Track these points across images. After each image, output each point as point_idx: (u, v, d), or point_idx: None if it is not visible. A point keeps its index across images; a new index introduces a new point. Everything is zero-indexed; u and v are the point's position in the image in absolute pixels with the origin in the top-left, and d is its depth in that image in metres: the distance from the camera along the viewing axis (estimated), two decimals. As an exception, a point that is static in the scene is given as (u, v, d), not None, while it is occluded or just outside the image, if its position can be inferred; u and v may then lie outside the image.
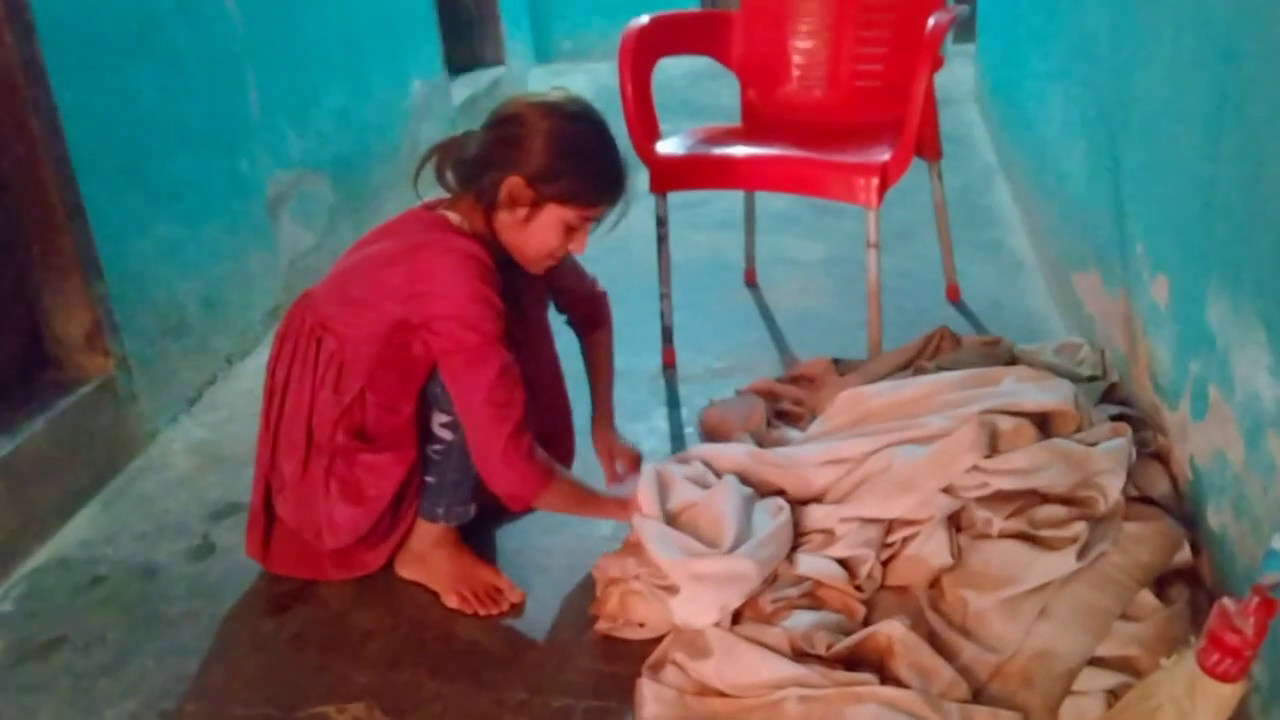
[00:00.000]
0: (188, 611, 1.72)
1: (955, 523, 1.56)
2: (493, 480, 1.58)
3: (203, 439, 2.25)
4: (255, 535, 1.74)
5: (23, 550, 1.88)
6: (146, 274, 2.23)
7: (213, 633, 1.67)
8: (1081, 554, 1.44)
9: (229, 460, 2.14)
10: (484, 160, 1.56)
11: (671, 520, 1.61)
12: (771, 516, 1.60)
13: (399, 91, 3.65)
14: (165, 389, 2.28)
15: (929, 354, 2.08)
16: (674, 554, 1.52)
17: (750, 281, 2.82)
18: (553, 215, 1.56)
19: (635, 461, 1.90)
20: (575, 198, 1.56)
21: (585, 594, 1.67)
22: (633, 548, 1.64)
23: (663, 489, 1.65)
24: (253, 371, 2.45)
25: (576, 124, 1.56)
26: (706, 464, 1.74)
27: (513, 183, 1.54)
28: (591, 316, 1.89)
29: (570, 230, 1.59)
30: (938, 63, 2.08)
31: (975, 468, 1.53)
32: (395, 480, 1.62)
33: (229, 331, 2.53)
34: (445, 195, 1.65)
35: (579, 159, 1.55)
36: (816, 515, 1.61)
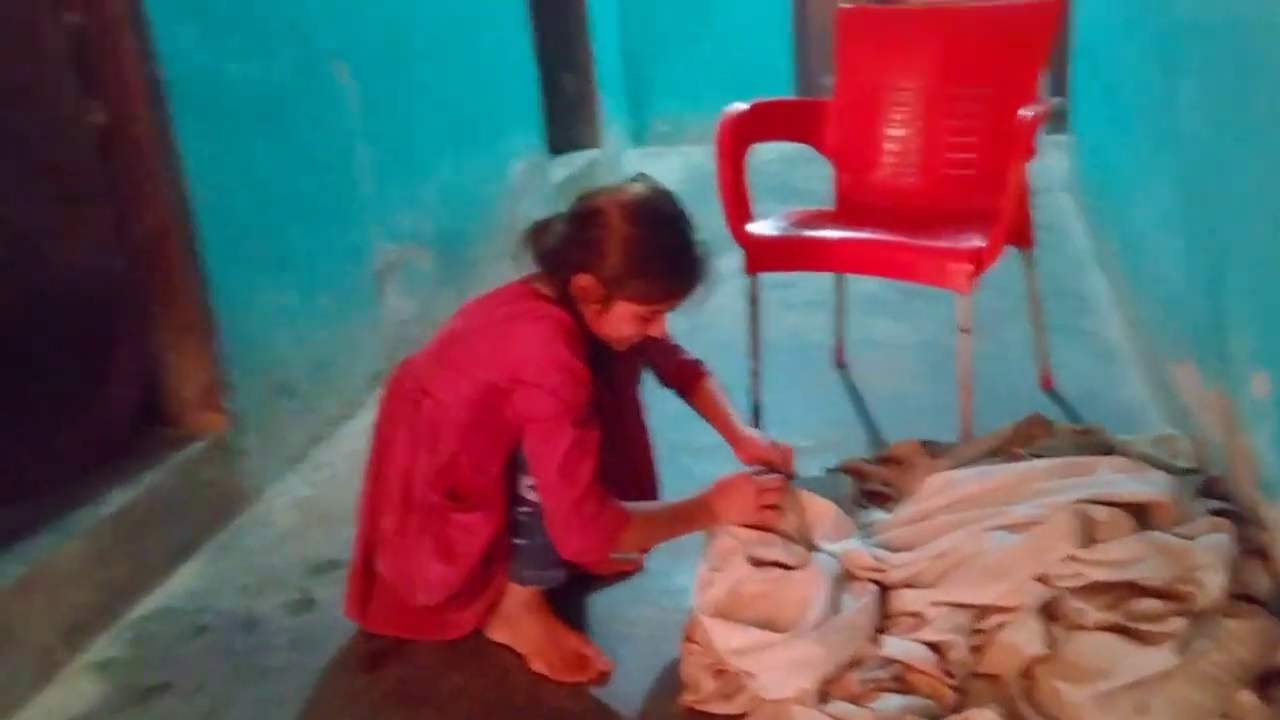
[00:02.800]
0: (286, 663, 1.78)
1: (1049, 612, 1.54)
2: (560, 544, 1.62)
3: (306, 496, 2.33)
4: (354, 593, 1.79)
5: (133, 597, 1.96)
6: (260, 337, 2.34)
7: (310, 685, 1.72)
8: (1180, 650, 1.42)
9: (330, 518, 2.21)
10: (561, 255, 1.63)
11: (746, 601, 1.61)
12: (857, 598, 1.60)
13: (501, 170, 3.79)
14: (273, 447, 2.37)
15: (1021, 441, 2.07)
16: (739, 642, 1.53)
17: (839, 362, 2.84)
18: (624, 310, 1.62)
19: (786, 456, 1.85)
20: (644, 298, 1.61)
21: (671, 665, 1.68)
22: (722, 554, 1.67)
23: (738, 568, 1.66)
24: (355, 433, 2.54)
25: (650, 229, 1.60)
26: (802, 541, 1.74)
27: (585, 280, 1.60)
28: (690, 376, 1.92)
29: (644, 320, 1.64)
30: (1031, 152, 2.10)
31: (1070, 557, 1.52)
32: (484, 539, 1.66)
33: (335, 394, 2.63)
34: None
35: (649, 265, 1.60)
36: (906, 598, 1.61)
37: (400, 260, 2.98)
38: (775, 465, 1.82)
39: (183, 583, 2.04)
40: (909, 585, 1.64)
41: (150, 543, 2.00)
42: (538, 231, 1.69)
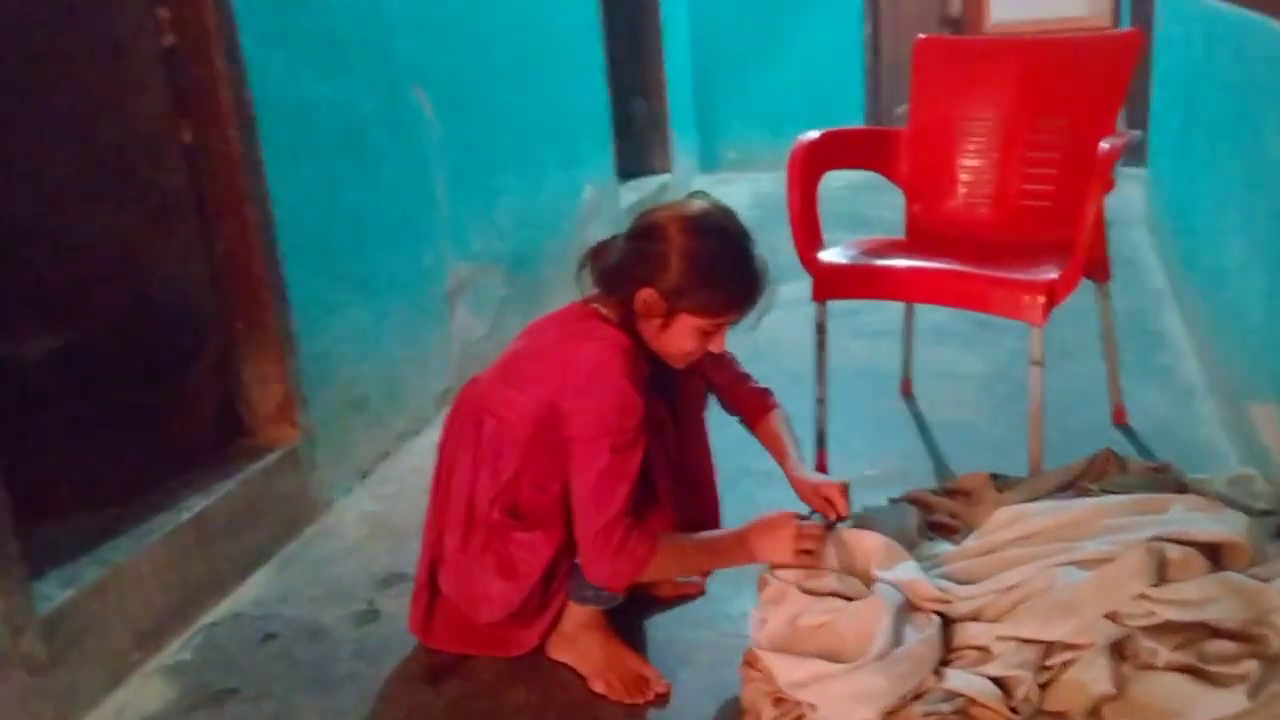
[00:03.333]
0: (351, 673, 1.81)
1: (1118, 651, 1.51)
2: (585, 567, 1.64)
3: (373, 510, 2.37)
4: (418, 608, 1.81)
5: (204, 603, 2.01)
6: (335, 353, 2.39)
7: (373, 696, 1.75)
8: (1253, 693, 1.38)
9: (396, 532, 2.25)
10: (622, 271, 1.65)
11: (806, 633, 1.61)
12: (919, 630, 1.59)
13: (572, 194, 3.84)
14: (343, 461, 2.42)
15: (1092, 476, 2.04)
16: (801, 675, 1.53)
17: (906, 392, 2.82)
18: (686, 323, 1.63)
19: (842, 491, 1.80)
20: (706, 310, 1.62)
21: (731, 691, 1.68)
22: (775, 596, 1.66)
23: (794, 601, 1.65)
24: (422, 450, 2.58)
25: (711, 240, 1.62)
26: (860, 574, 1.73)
27: (647, 294, 1.61)
28: (756, 407, 1.92)
29: (705, 334, 1.65)
30: (1109, 185, 2.08)
31: (1142, 596, 1.49)
32: (545, 557, 1.68)
33: (404, 410, 2.68)
34: None
35: (711, 275, 1.61)
36: (972, 631, 1.59)
37: (471, 280, 3.03)
38: (828, 509, 1.79)
39: (253, 590, 2.08)
40: (974, 618, 1.61)
41: (224, 550, 2.05)
42: (598, 252, 1.71)
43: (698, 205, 1.66)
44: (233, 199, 2.10)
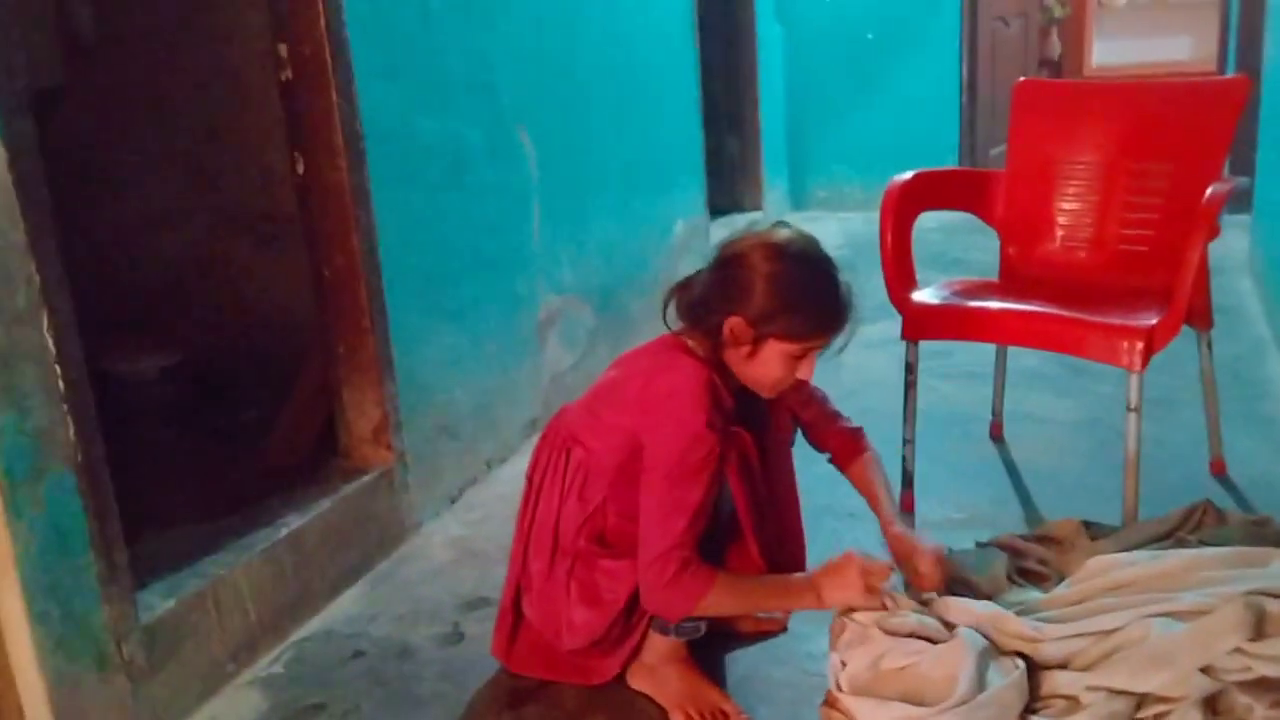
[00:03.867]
0: (435, 693, 1.84)
1: (1212, 706, 1.47)
2: (642, 596, 1.64)
3: (460, 535, 2.42)
4: (502, 632, 1.84)
5: (297, 618, 2.06)
6: (430, 379, 2.45)
7: (456, 716, 1.77)
8: (1358, 757, 1.34)
9: (482, 556, 2.29)
10: (708, 301, 1.66)
11: (889, 677, 1.59)
12: (1004, 674, 1.56)
13: (663, 229, 3.88)
14: (433, 485, 2.47)
15: (1190, 527, 1.98)
16: (885, 717, 1.52)
17: (996, 435, 2.78)
18: (774, 350, 1.63)
19: (936, 562, 1.76)
20: (793, 334, 1.62)
21: (810, 729, 1.67)
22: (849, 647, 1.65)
23: (876, 643, 1.64)
24: (509, 477, 2.62)
25: (796, 265, 1.63)
26: (938, 617, 1.71)
27: (734, 323, 1.62)
28: (848, 447, 1.91)
29: (794, 360, 1.65)
30: (1214, 231, 2.04)
31: (1238, 650, 1.45)
32: (630, 586, 1.68)
33: (492, 438, 2.73)
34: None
35: (797, 299, 1.61)
36: (1061, 680, 1.56)
37: (562, 312, 3.08)
38: (919, 582, 1.75)
39: (343, 608, 2.14)
40: (1063, 666, 1.58)
41: (317, 568, 2.11)
42: (684, 286, 1.73)
43: (780, 233, 1.67)
44: (341, 228, 2.17)
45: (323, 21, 2.06)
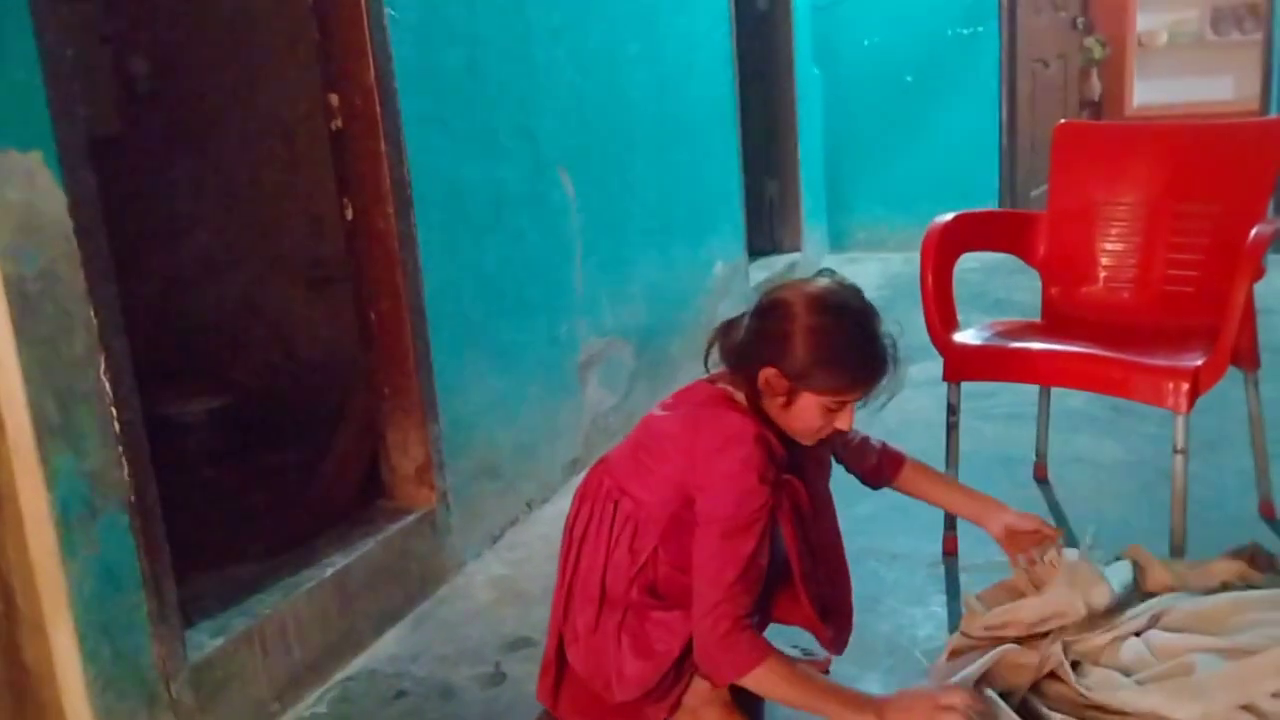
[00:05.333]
0: (478, 734, 1.85)
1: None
2: (695, 650, 1.61)
3: (502, 574, 2.43)
4: (547, 682, 1.82)
5: (341, 657, 2.08)
6: (473, 420, 2.48)
7: (499, 757, 1.78)
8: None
9: (524, 596, 2.30)
10: (747, 350, 1.65)
11: None
12: None
13: (702, 271, 3.90)
14: (475, 525, 2.49)
15: (1238, 573, 1.95)
16: None
17: (1040, 477, 2.75)
18: (810, 401, 1.61)
19: (1039, 536, 1.77)
20: (829, 389, 1.60)
21: (855, 775, 1.65)
22: None
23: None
24: (550, 517, 2.63)
25: (835, 318, 1.61)
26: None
27: (769, 374, 1.61)
28: (891, 460, 1.89)
29: (830, 412, 1.63)
30: (1259, 272, 2.03)
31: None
32: (684, 637, 1.66)
33: (534, 478, 2.74)
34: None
35: (834, 354, 1.60)
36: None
37: (603, 354, 3.10)
38: (1038, 538, 1.72)
39: (386, 648, 2.15)
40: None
41: (362, 607, 2.13)
42: (727, 329, 1.72)
43: (823, 283, 1.65)
44: (387, 272, 2.22)
45: (372, 73, 2.12)
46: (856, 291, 1.67)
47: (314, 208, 2.66)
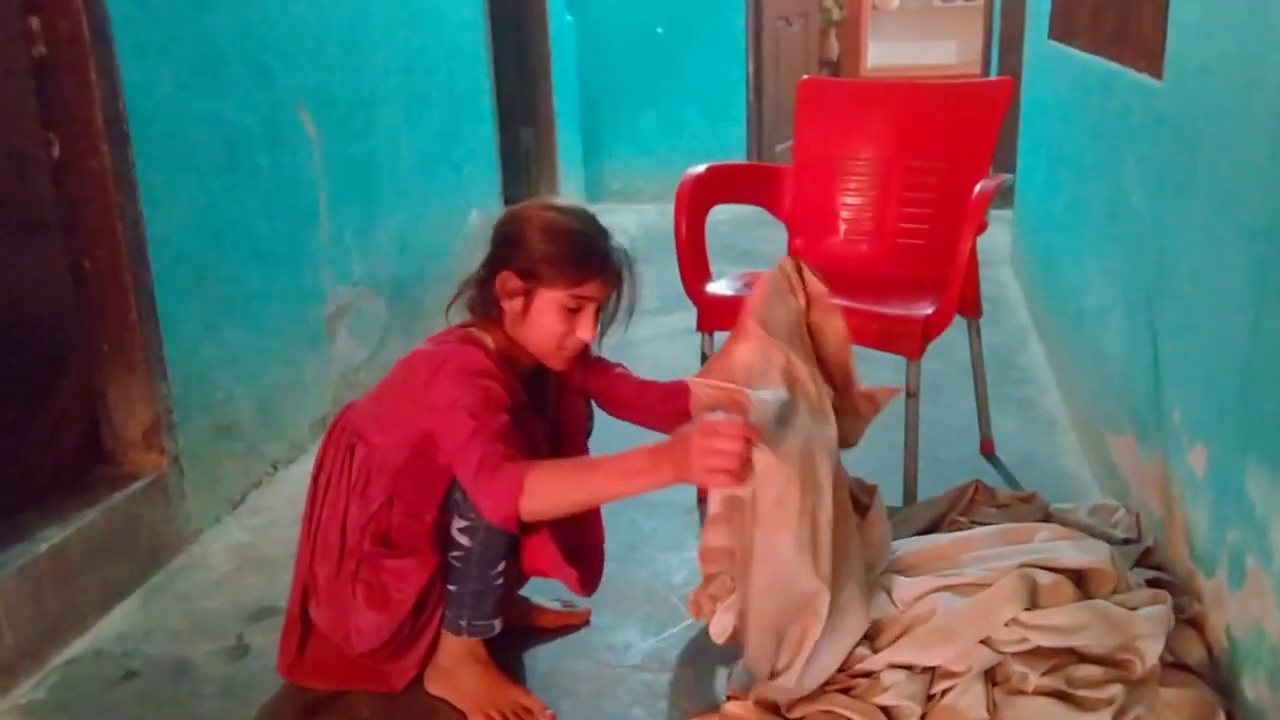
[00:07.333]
0: (217, 711, 1.74)
1: (991, 677, 1.56)
2: (477, 507, 1.55)
3: (243, 541, 2.29)
4: (290, 644, 1.75)
5: (61, 639, 1.90)
6: (207, 377, 2.31)
7: (241, 735, 1.68)
8: (1117, 717, 1.44)
9: (267, 563, 2.17)
10: (484, 271, 1.69)
11: None
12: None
13: (457, 220, 3.80)
14: (212, 490, 2.33)
15: (962, 508, 2.10)
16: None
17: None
18: (545, 300, 1.63)
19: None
20: (558, 278, 1.62)
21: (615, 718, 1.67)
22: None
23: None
24: (296, 478, 2.50)
25: (566, 215, 1.67)
26: None
27: (503, 276, 1.64)
28: (646, 384, 1.87)
29: (569, 313, 1.64)
30: (982, 226, 2.16)
31: (1015, 621, 1.54)
32: (418, 585, 1.64)
33: (277, 438, 2.60)
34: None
35: (563, 243, 1.63)
36: (861, 657, 1.60)
37: (353, 305, 2.96)
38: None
39: (113, 626, 1.98)
40: (867, 638, 1.63)
41: (82, 584, 1.95)
42: (468, 280, 1.74)
43: (551, 198, 1.72)
44: (103, 216, 2.01)
45: (80, -7, 1.90)
46: (587, 211, 1.73)
47: (19, 145, 2.38)
